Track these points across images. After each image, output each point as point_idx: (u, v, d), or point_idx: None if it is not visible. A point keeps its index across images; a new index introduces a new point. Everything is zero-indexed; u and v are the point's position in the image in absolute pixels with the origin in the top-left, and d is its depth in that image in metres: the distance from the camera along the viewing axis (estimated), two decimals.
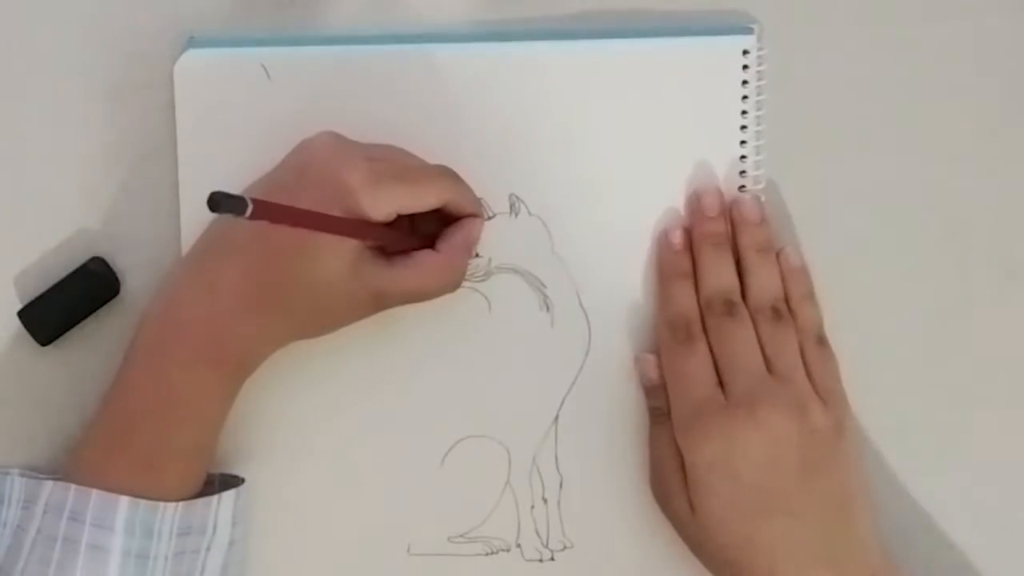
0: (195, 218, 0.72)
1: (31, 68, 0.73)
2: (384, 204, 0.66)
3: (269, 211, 0.56)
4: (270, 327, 0.68)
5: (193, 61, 0.72)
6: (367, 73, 0.72)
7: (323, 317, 0.69)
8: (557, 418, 0.74)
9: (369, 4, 0.74)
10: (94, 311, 0.73)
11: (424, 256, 0.69)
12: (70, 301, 0.72)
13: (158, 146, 0.73)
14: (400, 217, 0.67)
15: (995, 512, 0.75)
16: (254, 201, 0.55)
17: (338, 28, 0.74)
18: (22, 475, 0.69)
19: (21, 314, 0.72)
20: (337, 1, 0.74)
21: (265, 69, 0.72)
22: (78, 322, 0.72)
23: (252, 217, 0.55)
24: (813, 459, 0.68)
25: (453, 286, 0.70)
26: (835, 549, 0.68)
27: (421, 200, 0.68)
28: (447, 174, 0.70)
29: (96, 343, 0.73)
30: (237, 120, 0.72)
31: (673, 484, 0.71)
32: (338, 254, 0.66)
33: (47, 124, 0.73)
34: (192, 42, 0.73)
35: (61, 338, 0.73)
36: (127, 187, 0.73)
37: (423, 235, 0.70)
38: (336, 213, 0.64)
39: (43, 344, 0.72)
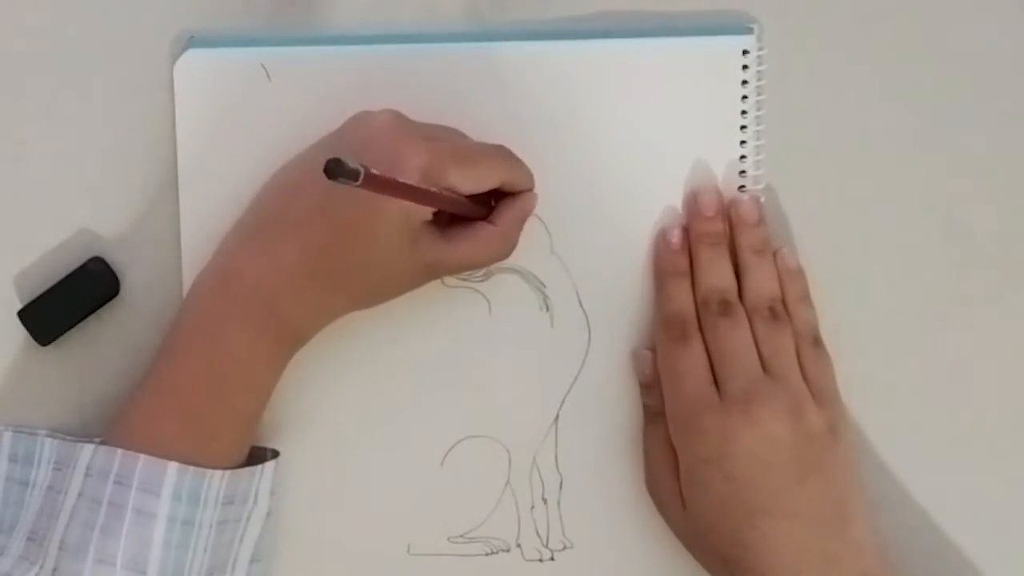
0: (195, 218, 0.72)
1: (31, 68, 0.73)
2: (442, 185, 0.66)
3: (376, 182, 0.58)
4: (329, 300, 0.68)
5: (193, 61, 0.72)
6: (367, 73, 0.72)
7: (380, 290, 0.69)
8: (557, 418, 0.74)
9: (369, 4, 0.74)
10: (94, 311, 0.73)
11: (480, 229, 0.69)
12: (70, 301, 0.72)
13: (158, 146, 0.73)
14: None
15: (995, 512, 0.75)
16: (366, 172, 0.56)
17: (338, 28, 0.74)
18: (51, 436, 0.70)
19: (21, 314, 0.72)
20: (337, 1, 0.74)
21: (265, 69, 0.72)
22: (78, 322, 0.72)
23: (361, 185, 0.56)
24: (807, 460, 0.68)
25: (505, 256, 0.71)
26: (829, 550, 0.68)
27: (480, 182, 0.68)
28: (504, 155, 0.70)
29: (96, 343, 0.73)
30: (237, 120, 0.73)
31: (667, 482, 0.71)
32: (399, 232, 0.66)
33: (47, 124, 0.73)
34: (192, 42, 0.73)
35: (61, 338, 0.73)
36: (127, 187, 0.73)
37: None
38: None
39: (43, 344, 0.72)
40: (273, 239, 0.68)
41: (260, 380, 0.68)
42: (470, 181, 0.67)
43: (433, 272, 0.69)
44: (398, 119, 0.68)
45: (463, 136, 0.71)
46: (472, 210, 0.69)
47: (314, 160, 0.69)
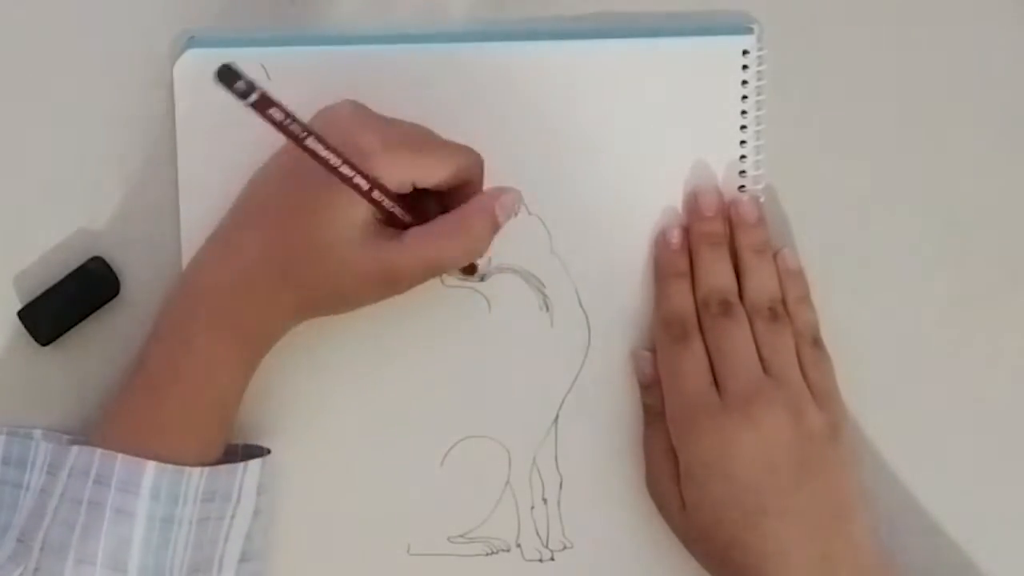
0: (195, 218, 0.72)
1: (31, 68, 0.73)
2: (397, 172, 0.66)
3: (273, 110, 0.55)
4: (284, 300, 0.68)
5: (193, 61, 0.72)
6: (367, 73, 0.72)
7: (336, 291, 0.68)
8: (557, 418, 0.74)
9: (369, 4, 0.74)
10: (94, 311, 0.73)
11: (439, 220, 0.68)
12: (70, 301, 0.72)
13: (158, 146, 0.73)
14: (422, 198, 0.68)
15: (995, 512, 0.75)
16: (261, 94, 0.53)
17: (338, 28, 0.74)
18: (46, 437, 0.71)
19: (21, 314, 0.72)
20: (337, 1, 0.74)
21: (265, 69, 0.72)
22: (78, 322, 0.72)
23: (254, 106, 0.53)
24: (807, 460, 0.68)
25: (475, 252, 0.69)
26: (828, 551, 0.68)
27: (433, 171, 0.67)
28: (463, 150, 0.69)
29: (96, 343, 0.73)
30: (237, 120, 0.72)
31: (667, 482, 0.71)
32: (348, 219, 0.66)
33: (47, 124, 0.73)
34: (192, 42, 0.73)
35: (61, 338, 0.73)
36: (127, 187, 0.73)
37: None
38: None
39: (43, 344, 0.72)
40: (232, 241, 0.68)
41: (224, 383, 0.68)
42: (424, 168, 0.67)
43: (393, 277, 0.67)
44: (355, 107, 0.68)
45: (428, 132, 0.70)
46: (404, 209, 0.67)
47: (277, 165, 0.69)
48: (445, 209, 0.69)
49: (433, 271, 0.68)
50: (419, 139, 0.68)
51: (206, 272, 0.68)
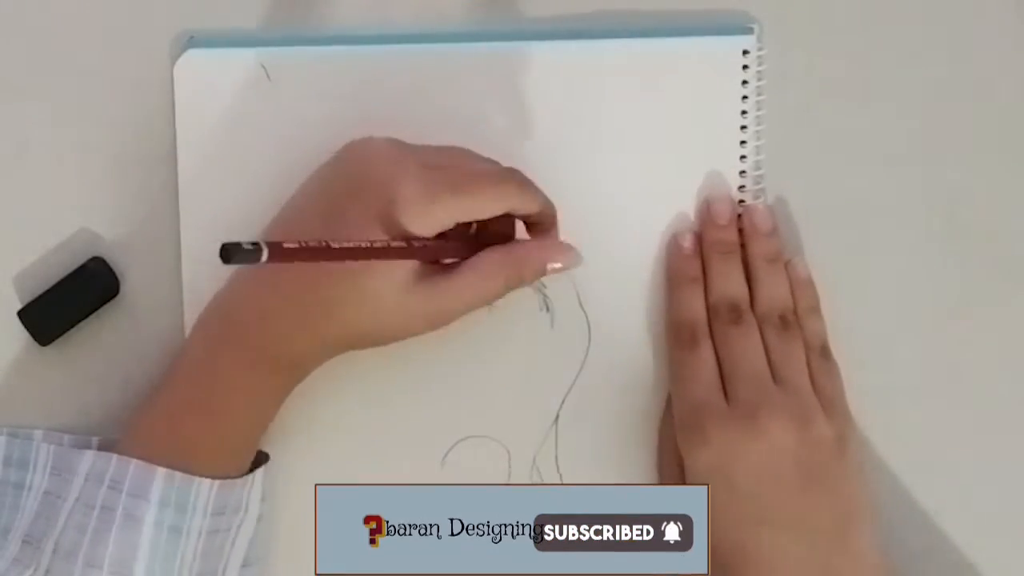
0: (195, 218, 0.72)
1: (31, 68, 0.73)
2: (435, 219, 0.65)
3: (286, 253, 0.55)
4: (326, 337, 0.67)
5: (193, 61, 0.72)
6: (367, 73, 0.72)
7: (379, 332, 0.67)
8: (557, 418, 0.74)
9: (369, 4, 0.74)
10: (94, 311, 0.73)
11: (486, 259, 0.67)
12: (70, 301, 0.72)
13: (158, 146, 0.73)
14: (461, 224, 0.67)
15: (995, 514, 0.74)
16: (269, 245, 0.53)
17: (338, 28, 0.74)
18: (47, 439, 0.70)
19: (21, 314, 0.72)
20: (337, 1, 0.74)
21: (265, 69, 0.72)
22: (78, 322, 0.72)
23: (270, 261, 0.54)
24: (812, 469, 0.68)
25: (516, 286, 0.69)
26: (830, 563, 0.67)
27: (479, 210, 0.66)
28: (510, 179, 0.68)
29: (96, 343, 0.73)
30: (237, 120, 0.73)
31: (671, 483, 0.71)
32: (388, 274, 0.65)
33: (47, 124, 0.73)
34: (192, 42, 0.73)
35: (61, 338, 0.73)
36: (127, 187, 0.73)
37: (499, 234, 0.69)
38: (388, 223, 0.63)
39: (43, 344, 0.72)
40: (270, 277, 0.67)
41: (256, 411, 0.68)
42: (466, 211, 0.66)
43: (438, 319, 0.67)
44: (396, 145, 0.67)
45: (471, 158, 0.69)
46: (434, 254, 0.67)
47: (313, 193, 0.68)
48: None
49: (482, 304, 0.69)
50: (462, 178, 0.67)
51: (246, 303, 0.67)
